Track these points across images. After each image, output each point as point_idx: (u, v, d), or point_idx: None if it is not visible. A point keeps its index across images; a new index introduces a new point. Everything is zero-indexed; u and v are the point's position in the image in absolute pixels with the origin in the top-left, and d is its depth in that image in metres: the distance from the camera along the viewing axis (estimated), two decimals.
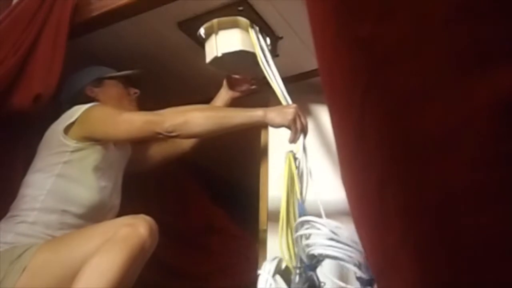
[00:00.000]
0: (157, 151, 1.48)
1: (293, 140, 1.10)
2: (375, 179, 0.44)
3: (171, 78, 1.50)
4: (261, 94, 1.35)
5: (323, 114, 1.47)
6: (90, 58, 1.38)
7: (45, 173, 1.16)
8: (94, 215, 1.16)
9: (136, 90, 1.38)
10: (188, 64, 1.43)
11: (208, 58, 1.21)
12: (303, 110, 1.49)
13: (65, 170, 1.16)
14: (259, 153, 1.52)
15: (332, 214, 1.22)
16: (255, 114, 1.12)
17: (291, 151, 1.05)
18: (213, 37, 1.21)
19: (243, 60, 1.19)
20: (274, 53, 1.26)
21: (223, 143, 1.46)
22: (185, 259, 1.74)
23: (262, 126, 1.15)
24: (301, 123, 1.11)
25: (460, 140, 0.35)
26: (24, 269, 0.98)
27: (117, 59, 1.40)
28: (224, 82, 1.43)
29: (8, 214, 1.14)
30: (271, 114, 1.11)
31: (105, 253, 0.94)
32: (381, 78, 0.40)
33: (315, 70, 1.20)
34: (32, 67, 1.18)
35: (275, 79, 1.15)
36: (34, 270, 0.99)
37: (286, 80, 1.22)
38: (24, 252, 1.01)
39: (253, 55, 1.17)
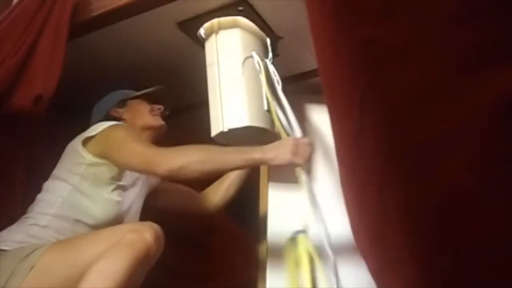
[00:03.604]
0: (184, 200, 1.49)
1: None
2: (375, 180, 0.44)
3: (171, 78, 1.50)
4: None
5: (323, 114, 1.47)
6: (90, 58, 1.38)
7: (63, 181, 1.18)
8: (108, 226, 1.17)
9: (160, 106, 1.40)
10: (188, 64, 1.43)
11: (214, 132, 1.14)
12: (303, 110, 1.49)
13: (81, 182, 1.18)
14: None
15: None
16: (253, 157, 1.09)
17: (301, 232, 0.92)
18: (219, 106, 1.13)
19: (252, 132, 1.14)
20: (274, 53, 1.26)
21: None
22: (185, 259, 1.74)
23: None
24: (303, 151, 1.08)
25: (460, 140, 0.35)
26: (31, 268, 0.99)
27: (117, 59, 1.40)
28: None
29: (24, 216, 1.16)
30: (270, 154, 1.08)
31: (110, 257, 0.95)
32: (381, 78, 0.40)
33: (315, 70, 1.19)
34: (32, 68, 1.17)
35: (284, 112, 1.11)
36: (41, 270, 1.00)
37: (286, 80, 1.22)
38: (33, 251, 1.02)
39: (261, 129, 1.14)
